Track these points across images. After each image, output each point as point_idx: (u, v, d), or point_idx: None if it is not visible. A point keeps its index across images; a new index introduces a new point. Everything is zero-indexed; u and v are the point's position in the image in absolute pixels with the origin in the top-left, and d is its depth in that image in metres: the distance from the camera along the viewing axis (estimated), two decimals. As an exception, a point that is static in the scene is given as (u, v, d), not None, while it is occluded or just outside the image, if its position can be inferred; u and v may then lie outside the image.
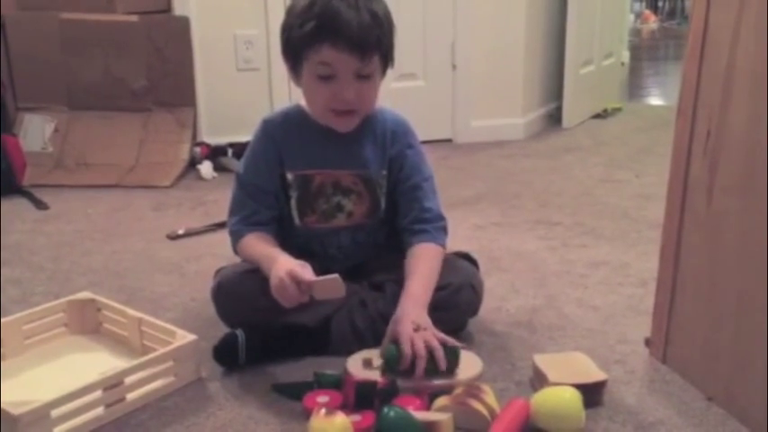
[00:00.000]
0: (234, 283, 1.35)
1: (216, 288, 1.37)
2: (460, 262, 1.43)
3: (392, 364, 1.22)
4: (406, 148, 1.43)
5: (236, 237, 1.42)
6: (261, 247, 1.36)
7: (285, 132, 1.41)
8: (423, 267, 1.34)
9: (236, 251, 1.43)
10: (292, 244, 1.40)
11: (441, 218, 1.43)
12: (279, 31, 1.36)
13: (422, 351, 1.20)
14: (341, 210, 1.42)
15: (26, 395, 1.13)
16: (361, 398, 1.16)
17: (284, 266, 1.23)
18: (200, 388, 1.28)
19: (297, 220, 1.42)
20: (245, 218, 1.41)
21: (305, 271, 1.23)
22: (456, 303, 1.35)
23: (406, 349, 1.21)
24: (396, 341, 1.24)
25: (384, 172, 1.42)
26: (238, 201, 1.43)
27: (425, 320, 1.26)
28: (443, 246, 1.41)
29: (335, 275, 1.22)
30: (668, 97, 4.23)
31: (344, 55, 1.27)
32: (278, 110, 1.47)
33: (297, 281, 1.21)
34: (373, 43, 1.29)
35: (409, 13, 2.97)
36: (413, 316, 1.25)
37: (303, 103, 1.42)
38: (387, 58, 1.36)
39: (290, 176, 1.41)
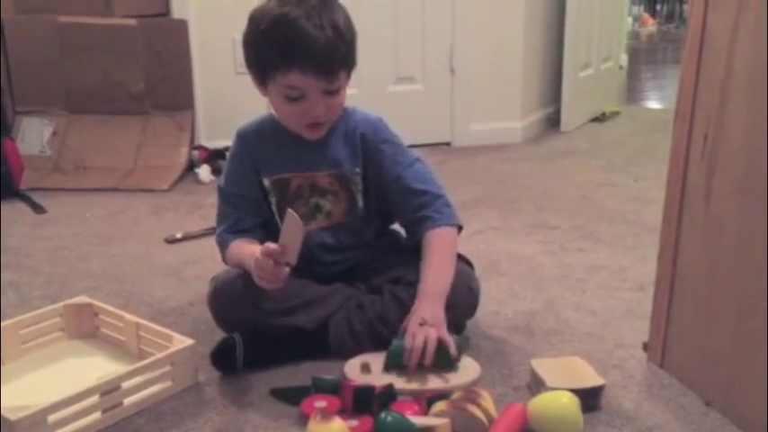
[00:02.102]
0: (229, 287, 1.35)
1: (211, 294, 1.37)
2: (457, 263, 1.42)
3: (394, 359, 1.26)
4: (380, 143, 1.42)
5: (222, 246, 1.43)
6: (244, 249, 1.36)
7: (259, 140, 1.43)
8: (434, 260, 1.35)
9: (224, 260, 1.44)
10: None
11: (438, 196, 1.41)
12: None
13: (418, 344, 1.24)
14: (319, 210, 1.43)
15: (23, 400, 1.13)
16: (359, 403, 1.16)
17: (256, 252, 1.24)
18: (198, 392, 1.27)
19: (280, 225, 1.43)
20: (229, 227, 1.42)
21: (271, 245, 1.23)
22: (453, 304, 1.35)
23: (407, 343, 1.25)
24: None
25: (357, 170, 1.42)
26: (222, 211, 1.45)
27: (436, 317, 1.28)
28: (452, 224, 1.40)
29: (288, 211, 1.21)
30: (666, 101, 4.23)
31: (312, 79, 1.27)
32: (251, 119, 1.47)
33: (268, 254, 1.21)
34: (340, 62, 1.29)
35: (407, 17, 2.97)
36: (422, 312, 1.29)
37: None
38: (351, 67, 1.35)
39: (266, 182, 1.42)
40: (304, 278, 1.38)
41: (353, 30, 1.34)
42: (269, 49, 1.28)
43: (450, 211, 1.41)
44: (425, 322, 1.27)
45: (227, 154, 1.48)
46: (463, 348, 1.31)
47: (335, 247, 1.45)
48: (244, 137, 1.45)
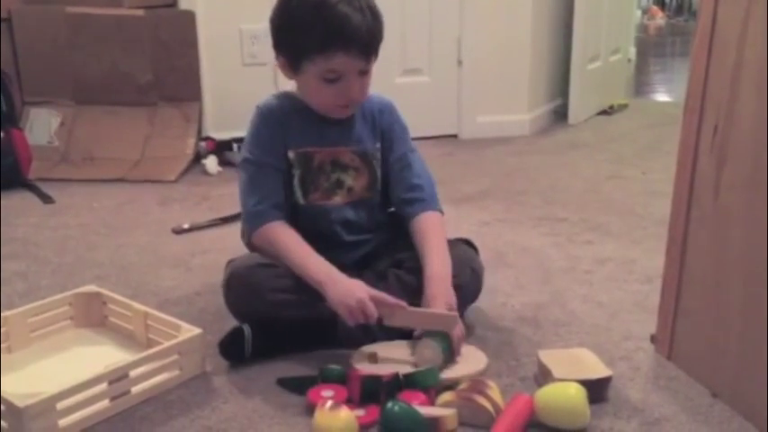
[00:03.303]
0: (246, 274, 1.34)
1: (228, 279, 1.36)
2: (459, 246, 1.44)
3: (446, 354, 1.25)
4: (394, 122, 1.49)
5: (258, 219, 1.38)
6: (300, 249, 1.34)
7: (283, 115, 1.43)
8: (436, 242, 1.38)
9: (250, 237, 1.41)
10: (298, 224, 1.40)
11: (432, 184, 1.48)
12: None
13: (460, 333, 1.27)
14: (341, 186, 1.44)
15: (32, 387, 1.13)
16: (367, 392, 1.16)
17: (359, 289, 1.27)
18: (205, 381, 1.28)
19: (301, 200, 1.43)
20: (264, 198, 1.39)
21: (388, 297, 1.27)
22: (457, 287, 1.35)
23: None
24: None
25: (378, 145, 1.46)
26: (254, 180, 1.41)
27: (454, 299, 1.31)
28: (442, 211, 1.46)
29: (455, 315, 1.26)
30: (675, 94, 4.22)
31: (356, 61, 1.32)
32: (266, 98, 1.47)
33: (381, 303, 1.26)
34: (378, 44, 1.35)
35: (415, 9, 2.96)
36: (445, 297, 1.29)
37: (290, 89, 1.45)
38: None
39: (291, 155, 1.42)
40: None
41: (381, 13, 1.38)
42: (310, 33, 1.30)
43: (440, 203, 1.47)
44: (451, 308, 1.28)
45: (249, 128, 1.44)
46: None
47: (355, 224, 1.46)
48: (268, 109, 1.43)
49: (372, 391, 1.16)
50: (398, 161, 1.47)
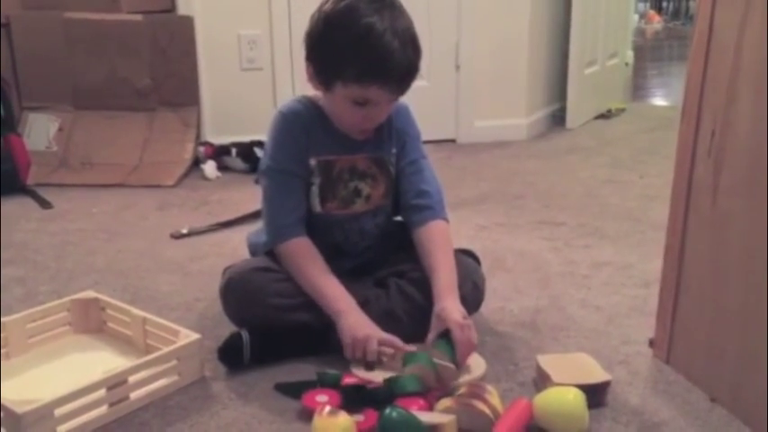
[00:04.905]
0: (244, 280, 1.34)
1: (225, 284, 1.36)
2: (462, 258, 1.43)
3: (450, 354, 1.23)
4: (409, 126, 1.48)
5: (283, 234, 1.38)
6: (322, 273, 1.35)
7: (306, 121, 1.41)
8: (444, 254, 1.38)
9: (271, 248, 1.40)
10: (311, 230, 1.40)
11: (440, 192, 1.47)
12: (299, 34, 1.35)
13: (473, 340, 1.26)
14: (359, 194, 1.43)
15: (30, 394, 1.14)
16: (348, 400, 1.16)
17: (371, 327, 1.28)
18: (204, 387, 1.28)
19: (318, 208, 1.41)
20: (290, 211, 1.39)
21: (398, 341, 1.27)
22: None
23: (459, 335, 1.24)
24: (444, 334, 1.26)
25: (394, 150, 1.45)
26: (280, 191, 1.40)
27: (463, 310, 1.30)
28: (448, 220, 1.45)
29: (453, 367, 1.22)
30: (672, 98, 4.22)
31: (389, 94, 1.31)
32: (288, 102, 1.45)
33: (387, 344, 1.26)
34: (414, 79, 1.32)
35: (413, 14, 2.91)
36: (457, 309, 1.29)
37: (309, 93, 1.43)
38: None
39: (313, 162, 1.40)
40: None
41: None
42: (350, 62, 1.28)
43: (444, 208, 1.46)
44: (466, 317, 1.28)
45: (271, 133, 1.42)
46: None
47: (372, 232, 1.46)
48: (292, 115, 1.41)
49: (353, 399, 1.16)
50: (410, 165, 1.45)
